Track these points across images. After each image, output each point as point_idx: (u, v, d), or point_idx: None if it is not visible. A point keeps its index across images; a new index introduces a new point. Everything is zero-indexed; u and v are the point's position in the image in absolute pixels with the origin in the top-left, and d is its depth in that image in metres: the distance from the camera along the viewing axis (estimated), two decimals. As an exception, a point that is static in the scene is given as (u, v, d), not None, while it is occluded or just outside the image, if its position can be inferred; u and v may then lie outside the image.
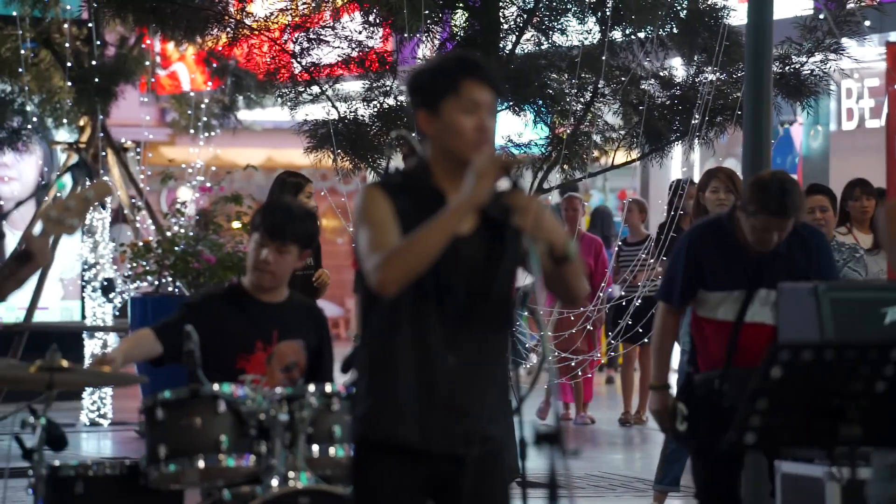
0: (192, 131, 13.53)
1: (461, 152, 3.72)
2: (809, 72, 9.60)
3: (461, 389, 3.73)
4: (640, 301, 10.42)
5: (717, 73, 9.58)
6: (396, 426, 3.71)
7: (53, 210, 4.19)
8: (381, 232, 3.68)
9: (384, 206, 3.71)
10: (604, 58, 9.47)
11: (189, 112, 13.64)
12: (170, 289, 11.50)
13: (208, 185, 12.42)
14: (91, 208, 4.28)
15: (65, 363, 4.94)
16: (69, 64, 12.68)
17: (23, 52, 12.54)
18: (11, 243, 13.88)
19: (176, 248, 11.24)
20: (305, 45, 9.71)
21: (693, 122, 9.58)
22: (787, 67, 9.57)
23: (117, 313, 12.74)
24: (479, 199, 3.63)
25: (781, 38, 9.44)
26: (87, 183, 5.47)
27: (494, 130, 3.79)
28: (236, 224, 11.25)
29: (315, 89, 9.69)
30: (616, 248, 12.28)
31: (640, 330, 10.34)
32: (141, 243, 11.85)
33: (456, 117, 3.69)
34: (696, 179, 9.07)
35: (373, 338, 3.77)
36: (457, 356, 3.71)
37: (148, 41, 13.75)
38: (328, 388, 4.98)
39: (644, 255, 10.98)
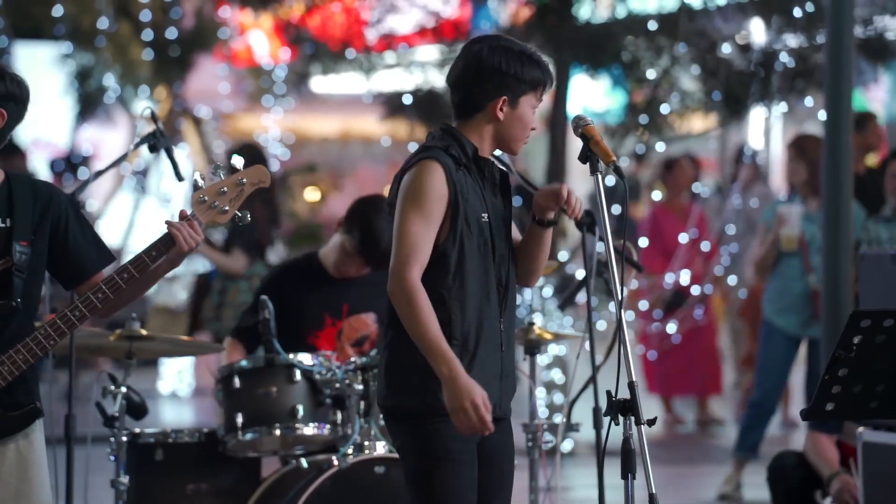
0: (267, 102, 13.58)
1: (514, 142, 3.89)
2: (893, 33, 9.43)
3: (508, 354, 3.89)
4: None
5: (798, 37, 9.43)
6: None
7: (206, 195, 3.92)
8: (423, 234, 3.74)
9: (440, 192, 3.77)
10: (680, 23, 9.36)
11: (264, 83, 13.68)
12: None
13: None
14: (246, 195, 3.94)
15: (143, 332, 4.99)
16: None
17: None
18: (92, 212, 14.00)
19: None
20: (380, 13, 9.69)
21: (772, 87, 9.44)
22: (868, 29, 9.40)
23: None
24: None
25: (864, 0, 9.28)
26: (166, 155, 5.25)
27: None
28: (313, 195, 11.25)
29: (389, 59, 9.66)
30: None
31: None
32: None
33: (530, 114, 3.89)
34: (775, 146, 8.95)
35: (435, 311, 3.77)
36: (504, 320, 3.86)
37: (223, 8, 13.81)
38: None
39: None
